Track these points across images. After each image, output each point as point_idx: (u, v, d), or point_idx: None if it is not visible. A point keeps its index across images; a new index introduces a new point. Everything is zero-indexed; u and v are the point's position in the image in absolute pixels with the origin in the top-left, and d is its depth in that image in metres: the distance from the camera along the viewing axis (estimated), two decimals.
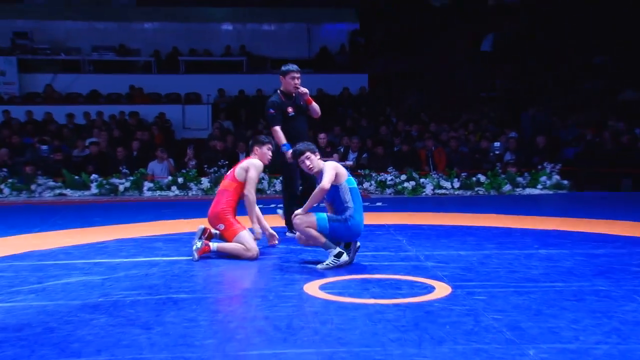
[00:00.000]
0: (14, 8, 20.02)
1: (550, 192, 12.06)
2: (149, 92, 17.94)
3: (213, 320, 4.29)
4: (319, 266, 5.73)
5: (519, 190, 12.09)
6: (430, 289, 4.96)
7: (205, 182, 12.28)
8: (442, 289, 4.96)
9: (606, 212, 9.16)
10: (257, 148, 6.56)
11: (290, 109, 7.30)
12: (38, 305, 4.67)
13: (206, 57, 19.53)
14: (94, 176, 12.42)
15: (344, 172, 5.93)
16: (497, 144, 13.84)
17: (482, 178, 12.32)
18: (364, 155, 13.64)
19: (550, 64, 18.48)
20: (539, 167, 12.42)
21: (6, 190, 12.19)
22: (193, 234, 7.64)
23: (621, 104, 16.26)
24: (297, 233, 5.92)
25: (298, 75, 7.31)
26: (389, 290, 4.97)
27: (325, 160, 6.13)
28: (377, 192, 12.20)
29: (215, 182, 12.10)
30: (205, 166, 12.67)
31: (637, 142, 13.50)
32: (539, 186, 12.15)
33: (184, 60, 19.07)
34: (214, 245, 6.27)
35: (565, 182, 12.30)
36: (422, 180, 12.26)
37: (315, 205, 5.87)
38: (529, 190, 12.08)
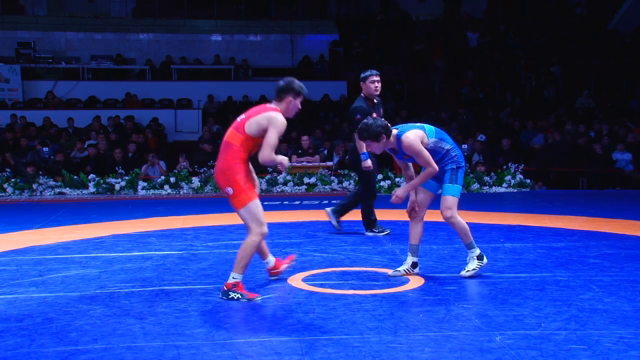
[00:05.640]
0: (18, 20, 19.82)
1: (514, 190, 12.11)
2: (144, 98, 17.79)
3: (203, 310, 4.25)
4: (464, 273, 4.98)
5: (486, 189, 12.12)
6: (404, 281, 4.96)
7: (195, 181, 12.20)
8: (415, 281, 4.95)
9: (565, 209, 9.20)
10: (282, 101, 4.64)
11: (375, 115, 6.49)
12: (38, 296, 4.61)
13: (197, 66, 19.42)
14: (91, 176, 12.30)
15: (422, 133, 4.90)
16: (465, 146, 13.87)
17: None
18: (346, 157, 13.61)
19: (510, 72, 18.67)
20: (504, 167, 12.47)
21: (9, 189, 12.06)
22: (184, 229, 7.62)
23: (577, 110, 16.41)
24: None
25: (377, 78, 6.76)
26: (366, 281, 4.96)
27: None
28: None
29: (205, 182, 12.06)
30: (196, 166, 12.63)
31: (593, 144, 13.60)
32: (504, 185, 12.19)
33: (176, 68, 18.94)
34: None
35: (528, 180, 12.36)
36: (397, 179, 12.25)
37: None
38: (495, 189, 12.12)
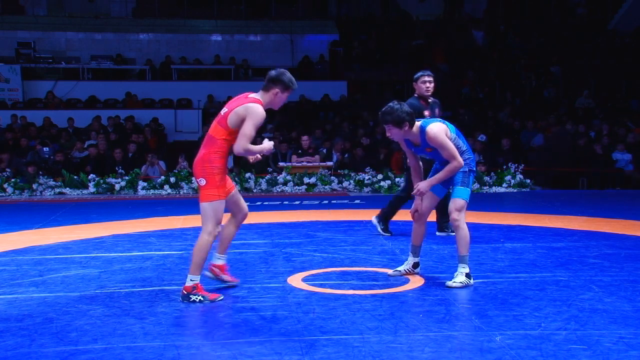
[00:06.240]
0: (18, 20, 19.85)
1: (514, 190, 12.11)
2: (144, 98, 17.81)
3: (202, 310, 4.25)
4: (449, 283, 4.75)
5: (486, 189, 12.12)
6: (404, 281, 4.95)
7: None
8: (415, 281, 4.95)
9: (565, 209, 9.21)
10: (268, 91, 4.54)
11: (427, 113, 6.71)
12: (38, 297, 4.61)
13: (197, 66, 19.45)
14: (91, 176, 12.30)
15: (445, 127, 4.83)
16: None
17: None
18: (346, 156, 13.65)
19: (510, 72, 18.69)
20: (504, 167, 12.47)
21: (9, 189, 12.06)
22: (184, 229, 7.62)
23: (577, 110, 16.42)
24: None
25: (429, 79, 6.83)
26: (366, 281, 4.96)
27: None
28: (355, 191, 12.19)
29: None
30: None
31: (592, 144, 13.61)
32: (504, 185, 12.19)
33: (176, 68, 18.96)
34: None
35: (528, 180, 12.36)
36: (397, 179, 12.25)
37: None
38: (495, 189, 12.12)
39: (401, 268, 5.14)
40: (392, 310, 4.16)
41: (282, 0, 21.40)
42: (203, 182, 4.43)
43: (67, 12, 21.00)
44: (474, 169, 4.95)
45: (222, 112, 4.52)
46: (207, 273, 4.73)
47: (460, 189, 4.83)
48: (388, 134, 4.83)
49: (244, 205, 4.77)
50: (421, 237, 5.11)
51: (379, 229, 7.10)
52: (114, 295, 4.62)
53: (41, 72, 18.72)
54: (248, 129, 4.31)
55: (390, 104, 4.76)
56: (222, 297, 4.47)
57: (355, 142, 14.22)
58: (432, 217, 7.07)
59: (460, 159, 4.73)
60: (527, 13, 21.55)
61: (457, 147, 4.82)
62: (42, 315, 4.14)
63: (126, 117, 16.13)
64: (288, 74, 4.55)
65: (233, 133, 4.41)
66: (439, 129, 4.73)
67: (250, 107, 4.36)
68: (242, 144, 4.30)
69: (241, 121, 4.36)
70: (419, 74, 6.96)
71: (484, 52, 19.65)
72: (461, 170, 4.81)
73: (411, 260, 5.12)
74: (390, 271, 5.19)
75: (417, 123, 4.78)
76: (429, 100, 6.91)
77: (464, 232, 4.81)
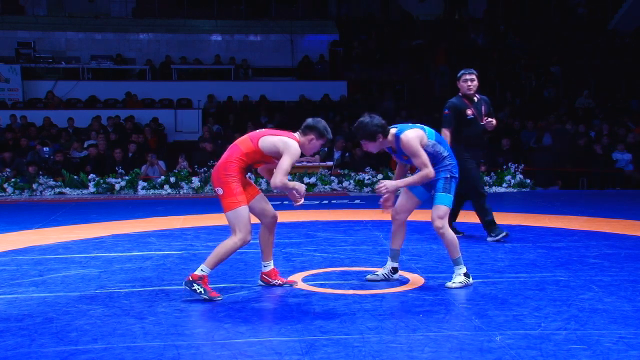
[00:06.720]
0: (18, 20, 19.84)
1: (514, 190, 12.11)
2: (144, 98, 17.81)
3: (202, 310, 4.26)
4: (448, 284, 4.74)
5: (486, 189, 12.10)
6: (405, 281, 4.96)
7: (195, 181, 12.20)
8: (416, 280, 4.95)
9: (565, 209, 9.21)
10: (304, 135, 4.64)
11: (469, 112, 6.68)
12: (38, 296, 4.61)
13: (197, 66, 19.45)
14: (91, 176, 12.31)
15: (422, 133, 4.73)
16: None
17: None
18: (346, 155, 13.66)
19: (510, 72, 18.68)
20: (504, 167, 12.47)
21: (9, 189, 12.06)
22: (184, 229, 7.63)
23: (577, 110, 16.43)
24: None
25: (470, 77, 6.69)
26: (366, 281, 4.95)
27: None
28: (355, 191, 12.19)
29: (205, 182, 12.05)
30: (196, 166, 12.64)
31: (593, 144, 13.61)
32: (504, 185, 12.19)
33: (176, 68, 18.95)
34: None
35: (528, 180, 12.36)
36: None
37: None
38: (495, 189, 12.12)
39: (380, 272, 5.02)
40: (392, 310, 4.16)
41: (282, 0, 21.39)
42: (220, 191, 4.52)
43: (67, 12, 20.99)
44: (456, 175, 4.82)
45: (259, 130, 4.68)
46: (260, 282, 4.89)
47: (442, 195, 4.74)
48: (365, 149, 4.80)
49: (270, 208, 4.81)
50: (400, 240, 4.99)
51: (494, 238, 6.70)
52: (114, 295, 4.62)
53: (41, 72, 18.71)
54: (286, 164, 4.43)
55: (361, 118, 4.70)
56: (221, 298, 4.48)
57: (356, 142, 14.22)
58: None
59: (431, 168, 4.63)
60: (527, 13, 21.54)
61: (438, 153, 4.73)
62: (42, 315, 4.14)
63: (126, 117, 16.12)
64: (323, 123, 4.67)
65: (257, 152, 4.53)
66: (412, 136, 4.63)
67: (288, 144, 4.49)
68: (279, 178, 4.41)
69: (274, 151, 4.49)
70: (461, 72, 6.83)
71: (484, 52, 19.64)
72: (442, 176, 4.73)
73: (390, 264, 4.99)
74: (369, 275, 5.04)
75: (392, 131, 4.70)
76: (475, 99, 6.80)
77: (450, 237, 4.76)
